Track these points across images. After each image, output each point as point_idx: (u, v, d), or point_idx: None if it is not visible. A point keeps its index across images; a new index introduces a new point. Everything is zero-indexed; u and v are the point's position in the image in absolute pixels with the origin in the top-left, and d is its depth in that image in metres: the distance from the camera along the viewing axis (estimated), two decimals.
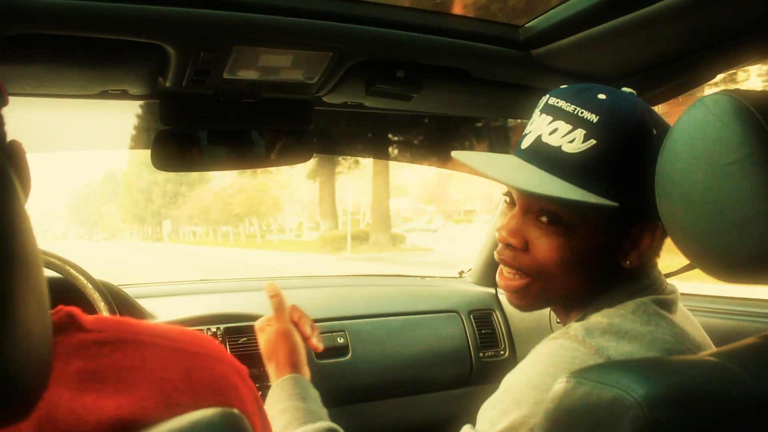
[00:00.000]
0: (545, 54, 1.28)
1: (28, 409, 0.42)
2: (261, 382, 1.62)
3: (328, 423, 1.11)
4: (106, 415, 0.51)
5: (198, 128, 1.39)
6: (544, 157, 0.88)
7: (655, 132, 0.87)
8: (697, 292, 1.57)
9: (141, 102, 1.41)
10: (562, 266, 0.89)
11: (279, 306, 1.30)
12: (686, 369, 0.68)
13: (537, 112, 0.93)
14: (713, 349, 0.75)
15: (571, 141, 0.86)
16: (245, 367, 0.67)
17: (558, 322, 1.02)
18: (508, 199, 0.97)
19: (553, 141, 0.87)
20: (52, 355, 0.44)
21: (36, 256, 0.42)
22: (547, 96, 0.93)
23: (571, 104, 0.88)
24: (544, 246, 0.90)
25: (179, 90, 1.27)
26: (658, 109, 1.34)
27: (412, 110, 1.57)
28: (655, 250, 0.92)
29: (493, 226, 2.09)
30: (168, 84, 1.23)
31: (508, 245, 0.93)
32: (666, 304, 0.91)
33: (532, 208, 0.91)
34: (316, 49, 1.18)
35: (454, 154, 0.96)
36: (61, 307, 0.56)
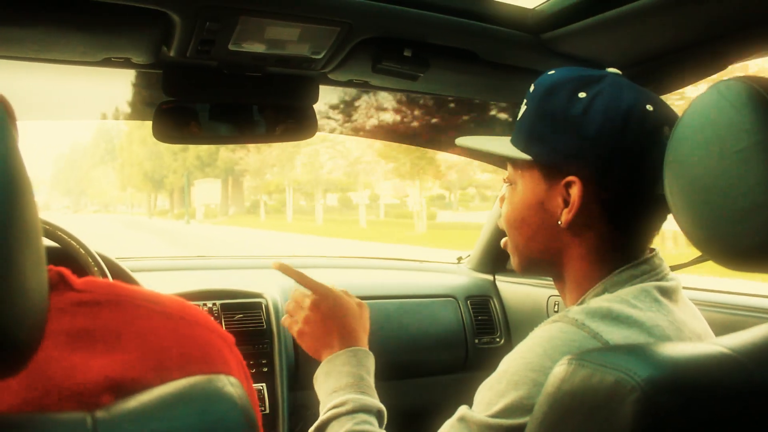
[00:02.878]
0: (555, 38, 1.26)
1: (22, 364, 0.42)
2: (256, 359, 1.61)
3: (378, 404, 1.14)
4: (95, 374, 0.51)
5: (201, 101, 1.37)
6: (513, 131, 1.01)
7: (582, 95, 0.90)
8: (698, 286, 1.57)
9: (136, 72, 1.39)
10: (511, 220, 1.01)
11: (310, 283, 1.26)
12: (689, 355, 0.67)
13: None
14: (717, 338, 0.75)
15: (520, 110, 0.99)
16: (232, 336, 0.67)
17: (555, 311, 1.03)
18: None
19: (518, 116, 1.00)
20: (47, 312, 0.44)
21: (34, 213, 0.42)
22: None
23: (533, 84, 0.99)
24: (504, 202, 1.03)
25: (183, 60, 1.26)
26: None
27: (417, 91, 1.56)
28: (595, 211, 0.92)
29: (494, 214, 2.08)
30: (172, 53, 1.22)
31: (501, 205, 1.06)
32: (667, 291, 0.91)
33: (513, 175, 1.01)
34: (324, 23, 1.16)
35: (458, 141, 1.09)
36: (50, 267, 0.55)
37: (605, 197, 0.91)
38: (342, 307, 1.22)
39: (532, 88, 0.97)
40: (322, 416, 1.10)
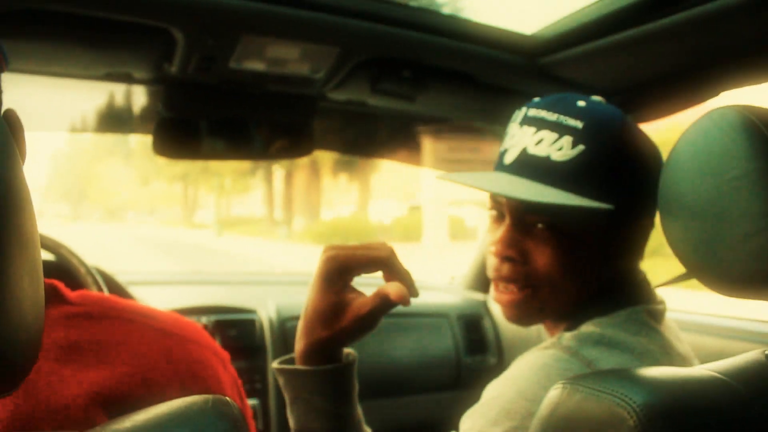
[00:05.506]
0: (551, 63, 1.28)
1: (16, 383, 0.41)
2: (250, 375, 1.61)
3: None
4: (84, 389, 0.51)
5: (200, 117, 1.38)
6: (533, 168, 0.87)
7: (637, 134, 0.89)
8: (688, 308, 1.58)
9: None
10: (565, 272, 0.88)
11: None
12: (683, 380, 0.67)
13: (515, 125, 0.92)
14: (708, 363, 0.75)
15: (560, 149, 0.86)
16: (227, 353, 0.67)
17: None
18: (495, 213, 0.95)
19: (540, 151, 0.87)
20: (42, 328, 0.43)
21: (33, 227, 0.41)
22: (525, 108, 0.93)
23: (554, 113, 0.88)
24: (546, 254, 0.88)
25: (184, 77, 1.26)
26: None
27: (414, 112, 1.57)
28: (643, 248, 0.93)
29: (483, 242, 2.09)
30: (173, 70, 1.23)
31: (506, 258, 0.91)
32: (656, 315, 0.91)
33: (524, 219, 0.90)
34: (324, 43, 1.18)
35: (439, 176, 0.94)
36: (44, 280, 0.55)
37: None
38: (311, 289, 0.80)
39: (577, 122, 0.86)
40: None
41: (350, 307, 0.76)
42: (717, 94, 1.21)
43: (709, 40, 1.08)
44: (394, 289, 0.75)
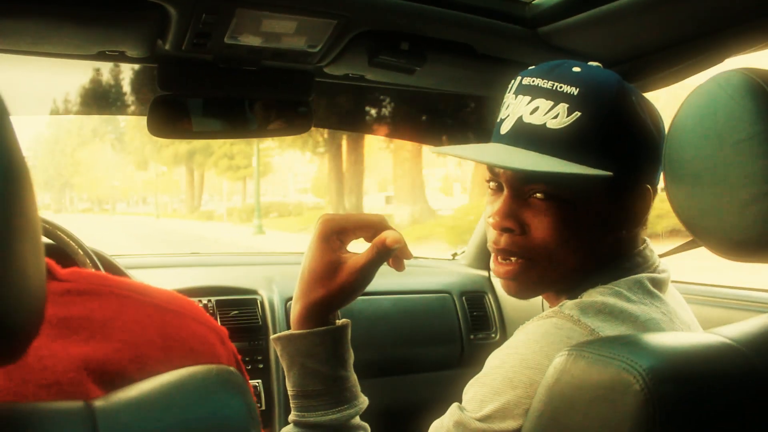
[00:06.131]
0: (552, 32, 1.26)
1: (20, 352, 0.41)
2: (252, 355, 1.61)
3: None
4: (76, 363, 0.51)
5: (196, 95, 1.36)
6: (529, 137, 0.86)
7: (634, 98, 0.87)
8: (691, 280, 1.57)
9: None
10: (564, 242, 0.87)
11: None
12: (689, 345, 0.67)
13: (510, 95, 0.91)
14: (715, 327, 0.75)
15: (555, 117, 0.84)
16: (225, 329, 0.65)
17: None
18: (493, 185, 0.94)
19: (535, 120, 0.86)
20: (45, 302, 0.43)
21: (33, 203, 0.41)
22: (519, 77, 0.91)
23: (548, 80, 0.86)
24: (544, 224, 0.87)
25: (178, 54, 1.24)
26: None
27: (414, 85, 1.55)
28: (646, 217, 0.92)
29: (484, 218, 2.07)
30: (167, 47, 1.21)
31: (504, 230, 0.90)
32: (659, 283, 0.90)
33: (522, 189, 0.88)
34: (320, 15, 1.16)
35: (433, 150, 0.93)
36: None
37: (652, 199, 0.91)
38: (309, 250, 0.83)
39: (572, 89, 0.84)
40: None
41: (346, 264, 0.79)
42: (721, 61, 1.19)
43: (713, 6, 1.06)
44: (389, 234, 0.77)
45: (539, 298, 1.96)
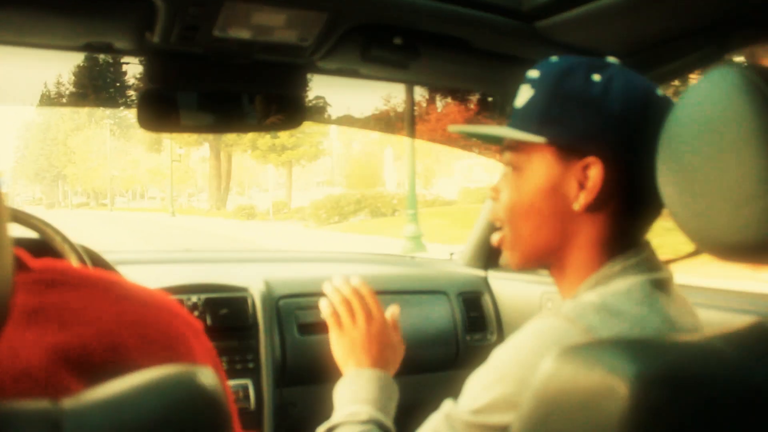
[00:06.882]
0: (549, 26, 1.24)
1: None
2: (243, 354, 1.58)
3: None
4: (49, 352, 0.50)
5: (186, 88, 1.34)
6: (510, 117, 0.98)
7: (597, 78, 0.90)
8: (695, 284, 1.54)
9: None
10: (518, 209, 0.96)
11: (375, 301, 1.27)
12: (678, 350, 0.65)
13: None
14: (706, 331, 0.73)
15: (521, 97, 0.96)
16: (200, 323, 0.66)
17: (549, 308, 1.01)
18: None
19: (515, 102, 0.97)
20: (10, 295, 0.43)
21: None
22: None
23: (531, 70, 0.97)
24: (505, 191, 0.98)
25: (167, 47, 1.22)
26: None
27: (408, 80, 1.53)
28: (611, 194, 0.91)
29: (488, 208, 2.06)
30: (155, 40, 1.19)
31: (491, 199, 1.04)
32: (661, 285, 0.89)
33: (504, 161, 1.00)
34: (311, 8, 1.13)
35: (451, 128, 1.05)
36: None
37: (622, 179, 0.90)
38: (388, 337, 1.24)
39: (536, 73, 0.95)
40: (334, 419, 1.10)
41: None
42: (722, 57, 1.17)
43: None
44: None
45: (536, 300, 1.94)
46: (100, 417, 0.43)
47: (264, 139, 24.21)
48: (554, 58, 0.96)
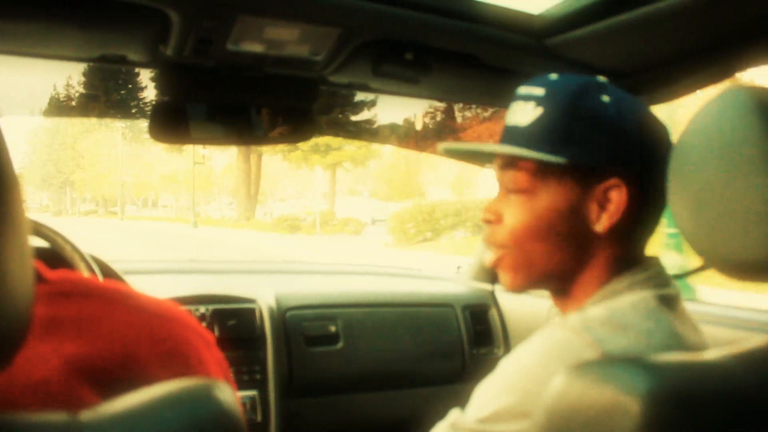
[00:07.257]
0: (559, 44, 1.24)
1: (8, 359, 0.41)
2: (250, 365, 1.59)
3: None
4: (63, 363, 0.50)
5: (198, 100, 1.35)
6: (508, 135, 0.95)
7: (607, 99, 0.90)
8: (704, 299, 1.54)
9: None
10: (529, 232, 0.92)
11: None
12: (689, 368, 0.66)
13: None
14: (717, 349, 0.73)
15: (525, 114, 0.93)
16: (212, 335, 0.66)
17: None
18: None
19: (512, 120, 0.95)
20: (32, 307, 0.43)
21: (21, 207, 0.41)
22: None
23: (527, 86, 0.95)
24: (511, 213, 0.94)
25: (180, 60, 1.23)
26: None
27: (418, 95, 1.54)
28: (630, 215, 0.90)
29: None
30: (169, 52, 1.20)
31: (486, 222, 0.98)
32: (668, 300, 0.89)
33: (502, 183, 0.96)
34: (324, 24, 1.14)
35: (443, 146, 1.02)
36: None
37: (640, 200, 0.90)
38: None
39: (539, 90, 0.92)
40: None
41: None
42: (732, 75, 1.18)
43: (723, 19, 1.04)
44: None
45: (543, 314, 1.93)
46: (118, 430, 0.43)
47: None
48: (553, 76, 0.94)
